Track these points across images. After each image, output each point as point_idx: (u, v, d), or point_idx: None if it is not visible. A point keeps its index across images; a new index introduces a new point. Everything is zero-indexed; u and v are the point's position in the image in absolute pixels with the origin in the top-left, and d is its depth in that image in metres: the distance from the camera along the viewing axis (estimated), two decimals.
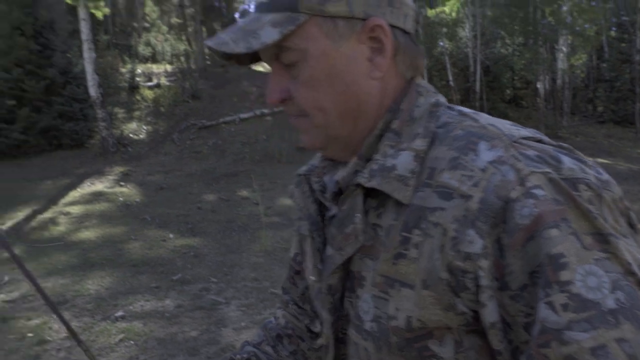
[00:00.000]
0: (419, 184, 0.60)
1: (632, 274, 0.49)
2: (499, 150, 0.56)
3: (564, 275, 0.49)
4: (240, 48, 0.60)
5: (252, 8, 0.67)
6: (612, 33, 21.81)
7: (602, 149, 15.70)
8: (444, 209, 0.56)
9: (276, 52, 0.65)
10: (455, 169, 0.57)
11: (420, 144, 0.62)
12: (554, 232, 0.50)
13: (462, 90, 18.96)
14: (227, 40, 0.62)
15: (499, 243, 0.52)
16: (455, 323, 0.57)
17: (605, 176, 0.56)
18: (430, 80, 18.55)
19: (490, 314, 0.53)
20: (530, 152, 0.56)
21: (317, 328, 0.80)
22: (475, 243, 0.53)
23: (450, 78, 17.98)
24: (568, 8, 16.80)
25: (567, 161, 0.55)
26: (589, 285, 0.48)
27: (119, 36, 23.64)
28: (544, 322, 0.49)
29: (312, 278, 0.73)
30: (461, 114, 0.67)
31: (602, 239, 0.50)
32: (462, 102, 18.64)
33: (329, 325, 0.69)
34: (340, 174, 0.68)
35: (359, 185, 0.64)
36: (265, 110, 16.19)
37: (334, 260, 0.67)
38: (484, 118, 0.65)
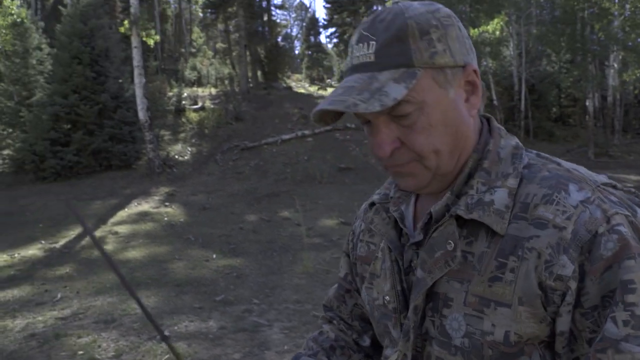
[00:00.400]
0: (512, 217, 0.69)
1: None
2: (587, 192, 0.67)
3: (631, 298, 0.60)
4: (375, 107, 0.65)
5: (349, 71, 0.72)
6: None
7: None
8: (539, 237, 0.66)
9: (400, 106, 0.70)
10: (549, 203, 0.67)
11: (512, 182, 0.71)
12: (631, 262, 0.61)
13: (507, 109, 18.56)
14: (355, 101, 0.65)
15: (581, 268, 0.63)
16: (545, 334, 0.67)
17: None
18: None
19: (563, 323, 0.65)
20: (612, 197, 0.68)
21: (365, 342, 0.97)
22: (567, 267, 0.64)
23: (495, 97, 17.64)
24: (619, 23, 16.24)
25: (639, 209, 0.69)
26: None
27: (167, 61, 24.63)
28: (605, 332, 0.61)
29: (387, 298, 0.80)
30: (540, 156, 0.77)
31: None
32: (507, 122, 18.20)
33: (405, 342, 0.76)
34: (435, 206, 0.75)
35: (454, 216, 0.72)
36: (307, 132, 16.36)
37: (425, 283, 0.74)
38: (565, 162, 0.75)
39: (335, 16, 27.99)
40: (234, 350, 3.81)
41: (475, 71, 0.73)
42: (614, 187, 0.71)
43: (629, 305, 0.60)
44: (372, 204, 0.90)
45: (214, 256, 6.64)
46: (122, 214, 9.44)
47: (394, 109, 0.69)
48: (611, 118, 18.72)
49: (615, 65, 17.56)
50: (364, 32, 0.70)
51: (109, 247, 7.29)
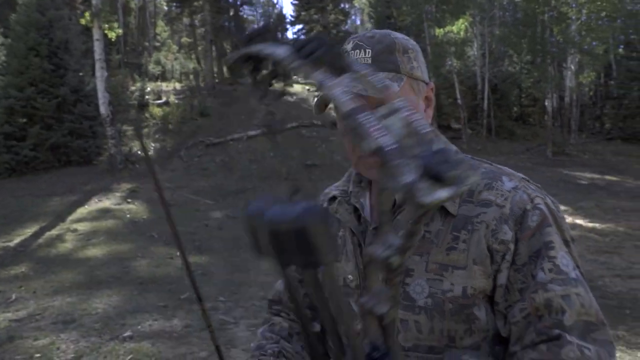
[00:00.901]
0: (461, 201, 0.89)
1: (578, 266, 0.86)
2: (515, 182, 0.91)
3: (552, 253, 0.83)
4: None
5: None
6: (621, 51, 21.79)
7: (609, 166, 15.55)
8: (486, 213, 0.87)
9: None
10: (491, 189, 0.89)
11: None
12: (549, 229, 0.85)
13: (470, 108, 18.96)
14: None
15: (515, 235, 0.85)
16: (490, 287, 0.86)
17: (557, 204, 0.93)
18: (438, 99, 18.56)
19: (502, 277, 0.85)
20: (532, 186, 0.92)
21: (315, 328, 0.99)
22: (507, 234, 0.85)
23: (458, 96, 17.98)
24: (576, 27, 16.83)
25: (547, 195, 0.93)
26: (563, 262, 0.83)
27: (130, 55, 23.99)
28: (536, 278, 0.82)
29: (350, 277, 0.95)
30: (474, 158, 0.98)
31: (567, 242, 0.87)
32: (470, 120, 18.61)
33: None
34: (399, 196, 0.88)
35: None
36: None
37: None
38: (494, 163, 0.98)
39: (303, 13, 27.90)
40: (200, 348, 3.75)
41: (432, 89, 0.96)
42: (528, 181, 0.94)
43: (551, 258, 0.83)
44: (334, 198, 1.04)
45: (178, 254, 6.52)
46: (82, 211, 9.14)
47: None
48: (568, 118, 19.40)
49: (573, 67, 18.19)
50: (360, 42, 0.89)
51: (67, 245, 7.05)
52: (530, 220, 0.84)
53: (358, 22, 43.74)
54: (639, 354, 3.52)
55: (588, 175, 13.82)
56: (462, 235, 0.86)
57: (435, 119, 18.10)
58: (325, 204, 1.03)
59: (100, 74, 12.12)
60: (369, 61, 0.87)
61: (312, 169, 13.15)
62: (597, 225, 8.06)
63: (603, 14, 17.54)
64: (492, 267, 0.85)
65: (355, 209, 0.99)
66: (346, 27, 28.79)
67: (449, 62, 18.27)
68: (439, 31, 17.55)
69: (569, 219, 8.41)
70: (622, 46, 22.11)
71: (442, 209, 0.88)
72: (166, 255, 6.44)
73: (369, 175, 0.96)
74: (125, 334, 3.96)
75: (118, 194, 10.49)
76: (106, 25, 12.58)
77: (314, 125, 16.70)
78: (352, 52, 0.88)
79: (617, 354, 3.52)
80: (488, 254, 0.84)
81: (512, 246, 0.84)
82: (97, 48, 12.08)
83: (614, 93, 20.97)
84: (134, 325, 4.18)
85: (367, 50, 0.88)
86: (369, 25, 31.97)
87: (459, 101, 17.96)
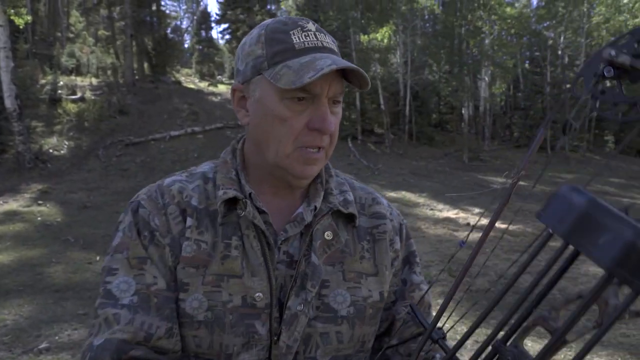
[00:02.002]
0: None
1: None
2: (384, 199, 1.00)
3: (417, 260, 0.99)
4: (351, 65, 0.77)
5: (316, 50, 0.80)
6: (527, 66, 23.67)
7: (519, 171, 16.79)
8: (385, 224, 0.94)
9: (340, 92, 0.83)
10: (378, 204, 0.96)
11: (348, 188, 0.95)
12: (411, 240, 1.00)
13: (393, 113, 19.64)
14: (341, 63, 0.77)
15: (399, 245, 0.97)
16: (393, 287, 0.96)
17: None
18: (362, 104, 19.04)
19: (390, 279, 0.94)
20: (386, 202, 1.00)
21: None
22: (398, 243, 0.95)
23: (382, 102, 18.57)
24: (490, 41, 18.02)
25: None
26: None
27: (39, 45, 22.26)
28: (413, 280, 0.96)
29: (260, 295, 0.81)
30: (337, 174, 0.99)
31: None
32: (392, 126, 19.28)
33: (289, 332, 0.82)
34: (316, 203, 0.88)
35: (334, 210, 0.88)
36: (197, 128, 15.82)
37: (320, 269, 0.84)
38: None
39: (229, 12, 27.47)
40: None
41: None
42: None
43: (418, 263, 0.98)
44: (233, 200, 0.84)
45: (98, 258, 6.14)
46: None
47: (339, 92, 0.81)
48: (482, 126, 20.70)
49: (487, 79, 19.46)
50: (320, 29, 0.83)
51: None
52: (404, 232, 0.98)
53: None
54: (538, 347, 3.82)
55: (500, 179, 14.83)
56: (366, 245, 0.90)
57: (359, 124, 18.59)
58: (220, 208, 0.83)
59: (5, 64, 11.14)
60: (336, 49, 0.83)
61: None
62: (509, 226, 8.66)
63: (512, 31, 18.97)
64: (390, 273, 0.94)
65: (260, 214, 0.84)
66: None
67: (374, 69, 18.82)
68: (364, 38, 18.04)
69: (483, 221, 8.97)
70: (527, 61, 24.04)
71: (348, 220, 0.90)
72: (84, 260, 6.04)
73: (303, 171, 0.82)
74: (41, 346, 3.66)
75: (27, 195, 9.69)
76: (12, 11, 11.58)
77: (238, 126, 16.48)
78: (319, 34, 0.81)
79: (529, 344, 3.80)
80: (391, 261, 0.93)
81: (399, 253, 0.95)
82: (2, 35, 11.11)
83: (521, 104, 22.72)
84: (51, 335, 3.87)
85: (331, 38, 0.84)
86: None
87: (383, 107, 18.55)
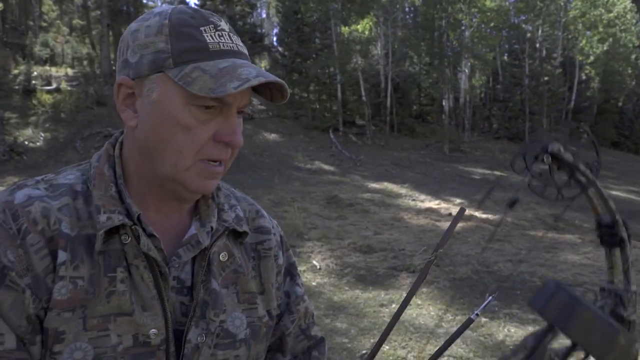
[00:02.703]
0: None
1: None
2: (263, 210, 0.94)
3: (297, 271, 0.96)
4: (278, 80, 0.70)
5: (233, 54, 0.71)
6: (505, 58, 23.96)
7: (498, 162, 17.08)
8: (270, 240, 0.89)
9: (249, 103, 0.74)
10: (262, 217, 0.90)
11: (235, 201, 0.88)
12: (290, 252, 0.95)
13: (374, 105, 19.70)
14: (268, 75, 0.69)
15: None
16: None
17: None
18: (343, 95, 19.04)
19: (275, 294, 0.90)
20: (266, 213, 0.94)
21: None
22: (280, 258, 0.90)
23: (363, 93, 18.60)
24: (470, 34, 18.18)
25: None
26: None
27: (11, 34, 21.64)
28: (297, 292, 0.93)
29: (154, 332, 0.71)
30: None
31: None
32: (374, 117, 19.34)
33: None
34: (211, 223, 0.79)
35: (229, 229, 0.80)
36: None
37: (221, 295, 0.78)
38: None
39: (208, 2, 27.09)
40: None
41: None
42: None
43: (295, 276, 0.94)
44: (119, 227, 0.70)
45: None
46: None
47: (248, 103, 0.73)
48: (462, 117, 20.92)
49: (466, 71, 19.64)
50: (232, 29, 0.73)
51: None
52: (285, 244, 0.93)
53: (264, 15, 43.44)
54: (529, 329, 3.89)
55: (480, 170, 15.04)
56: (253, 262, 0.85)
57: (340, 115, 18.61)
58: (99, 236, 0.69)
59: None
60: (246, 54, 0.75)
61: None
62: (489, 216, 8.79)
63: (492, 24, 19.16)
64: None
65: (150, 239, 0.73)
66: (252, 19, 28.46)
67: (355, 60, 18.83)
68: (344, 29, 18.01)
69: (466, 212, 9.10)
70: (507, 54, 24.34)
71: (237, 236, 0.82)
72: None
73: (202, 186, 0.73)
74: None
75: (2, 188, 9.45)
76: None
77: None
78: (234, 36, 0.73)
79: (512, 330, 3.88)
80: (275, 277, 0.88)
81: (281, 269, 0.90)
82: None
83: (501, 96, 23.02)
84: None
85: (240, 42, 0.75)
86: (275, 19, 31.87)
87: (364, 98, 18.59)
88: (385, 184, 11.32)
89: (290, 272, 0.93)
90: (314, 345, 0.95)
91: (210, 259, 0.76)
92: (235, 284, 0.80)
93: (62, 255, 0.67)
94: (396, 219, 8.08)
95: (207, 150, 0.70)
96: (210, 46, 0.68)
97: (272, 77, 0.68)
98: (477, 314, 1.05)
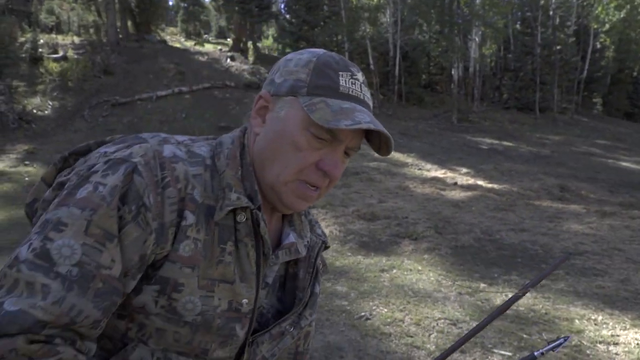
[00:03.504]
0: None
1: None
2: None
3: (316, 300, 0.99)
4: (386, 132, 0.78)
5: (358, 102, 0.80)
6: (517, 27, 23.41)
7: (507, 132, 16.92)
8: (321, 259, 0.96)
9: (358, 147, 0.84)
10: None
11: None
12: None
13: (382, 74, 19.47)
14: (378, 125, 0.78)
15: None
16: None
17: None
18: None
19: None
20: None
21: (91, 352, 0.73)
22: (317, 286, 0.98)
23: (371, 62, 18.36)
24: (481, 1, 17.74)
25: None
26: None
27: (15, 1, 21.45)
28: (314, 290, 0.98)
29: (246, 301, 0.81)
30: None
31: None
32: (382, 86, 19.15)
33: (269, 339, 0.88)
34: (308, 237, 0.93)
35: (324, 244, 0.99)
36: (184, 88, 15.58)
37: (317, 300, 0.95)
38: None
39: None
40: None
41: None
42: None
43: (314, 304, 0.97)
44: (243, 209, 0.80)
45: None
46: None
47: (357, 147, 0.82)
48: (472, 87, 20.63)
49: (477, 39, 19.25)
50: (365, 82, 0.83)
51: None
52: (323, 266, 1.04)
53: None
54: (527, 295, 3.96)
55: (488, 140, 14.93)
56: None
57: None
58: (222, 213, 0.77)
59: None
60: (371, 105, 0.85)
61: (226, 131, 12.86)
62: (495, 185, 8.80)
63: None
64: None
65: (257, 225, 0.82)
66: None
67: (363, 28, 18.51)
68: None
69: (471, 181, 9.10)
70: (519, 22, 23.77)
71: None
72: None
73: (295, 204, 0.82)
74: None
75: (13, 156, 9.59)
76: None
77: (227, 86, 16.26)
78: (365, 88, 0.83)
79: (509, 295, 3.95)
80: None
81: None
82: None
83: (511, 66, 22.59)
84: None
85: (369, 95, 0.86)
86: None
87: (372, 67, 18.36)
88: (392, 153, 11.32)
89: (313, 296, 0.96)
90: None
91: (317, 268, 0.93)
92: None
93: (190, 218, 0.75)
94: (401, 187, 8.12)
95: (309, 174, 0.80)
96: (341, 88, 0.79)
97: (381, 128, 0.77)
98: (542, 353, 1.02)
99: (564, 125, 19.60)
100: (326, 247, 1.00)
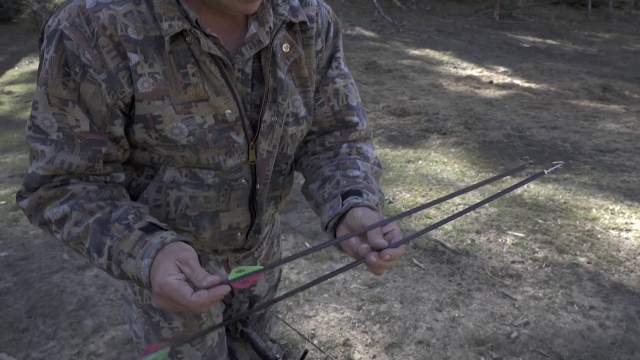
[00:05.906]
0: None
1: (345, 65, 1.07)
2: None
3: (338, 54, 1.03)
4: None
5: None
6: None
7: (552, 30, 15.87)
8: (313, 29, 0.94)
9: None
10: (307, 6, 0.94)
11: None
12: (338, 37, 1.04)
13: None
14: None
15: (323, 45, 1.00)
16: None
17: None
18: None
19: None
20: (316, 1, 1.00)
21: (120, 178, 0.90)
22: (319, 45, 0.98)
23: None
24: None
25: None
26: (340, 62, 1.04)
27: None
28: (327, 74, 1.00)
29: (229, 112, 0.86)
30: None
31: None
32: None
33: (268, 136, 0.93)
34: (271, 19, 0.88)
35: (286, 22, 0.90)
36: None
37: (287, 82, 0.92)
38: None
39: None
40: None
41: None
42: None
43: (337, 59, 1.00)
44: (182, 33, 0.80)
45: None
46: (13, 73, 8.58)
47: None
48: None
49: None
50: None
51: (5, 107, 6.76)
52: (331, 31, 0.97)
53: None
54: (549, 186, 4.04)
55: (530, 38, 14.14)
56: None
57: None
58: (166, 44, 0.79)
59: None
60: None
61: None
62: (532, 85, 8.52)
63: None
64: None
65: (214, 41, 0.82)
66: None
67: None
68: None
69: (507, 80, 8.83)
70: None
71: (290, 26, 0.91)
72: None
73: (244, 9, 0.80)
74: None
75: None
76: None
77: None
78: None
79: (531, 186, 4.02)
80: (316, 65, 0.98)
81: (322, 57, 0.97)
82: None
83: None
84: None
85: None
86: None
87: None
88: (427, 50, 10.95)
89: (331, 57, 0.99)
90: (339, 128, 1.02)
91: (274, 52, 0.87)
92: (290, 71, 0.91)
93: (134, 57, 0.79)
94: (434, 85, 7.99)
95: None
96: None
97: None
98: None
99: (617, 21, 18.18)
100: (290, 23, 0.90)
